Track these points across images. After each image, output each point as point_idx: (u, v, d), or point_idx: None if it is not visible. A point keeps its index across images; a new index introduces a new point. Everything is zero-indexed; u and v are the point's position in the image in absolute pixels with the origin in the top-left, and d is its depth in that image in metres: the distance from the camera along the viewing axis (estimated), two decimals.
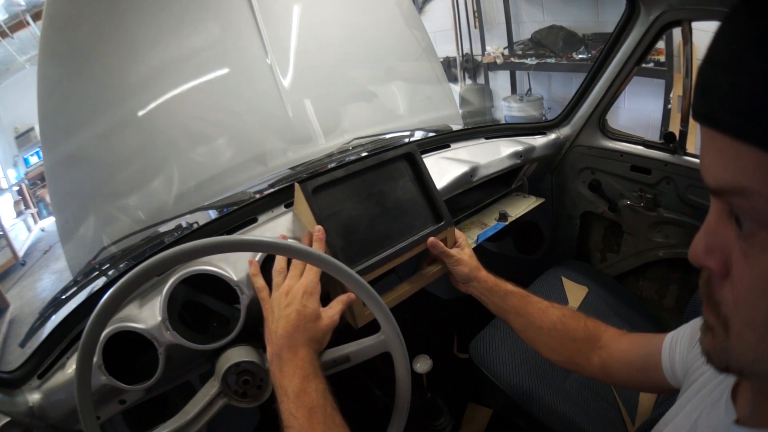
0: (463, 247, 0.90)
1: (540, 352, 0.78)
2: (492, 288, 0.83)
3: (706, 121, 0.29)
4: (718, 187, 0.29)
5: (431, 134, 1.35)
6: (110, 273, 0.99)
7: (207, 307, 0.84)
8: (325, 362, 0.70)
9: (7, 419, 0.68)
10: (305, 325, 0.64)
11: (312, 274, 0.70)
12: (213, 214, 1.07)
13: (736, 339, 0.31)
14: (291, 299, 0.66)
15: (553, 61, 3.32)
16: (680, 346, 0.60)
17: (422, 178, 0.93)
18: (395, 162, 0.93)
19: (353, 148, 1.19)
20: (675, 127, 1.28)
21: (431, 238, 0.87)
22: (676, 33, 1.18)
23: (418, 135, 1.33)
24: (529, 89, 3.70)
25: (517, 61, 3.55)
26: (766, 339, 0.29)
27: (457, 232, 0.92)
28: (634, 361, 0.68)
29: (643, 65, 1.76)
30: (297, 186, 0.81)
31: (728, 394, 0.42)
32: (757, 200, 0.27)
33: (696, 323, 0.59)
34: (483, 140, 1.36)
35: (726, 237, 0.31)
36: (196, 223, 1.08)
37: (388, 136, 1.28)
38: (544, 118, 3.48)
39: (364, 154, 1.08)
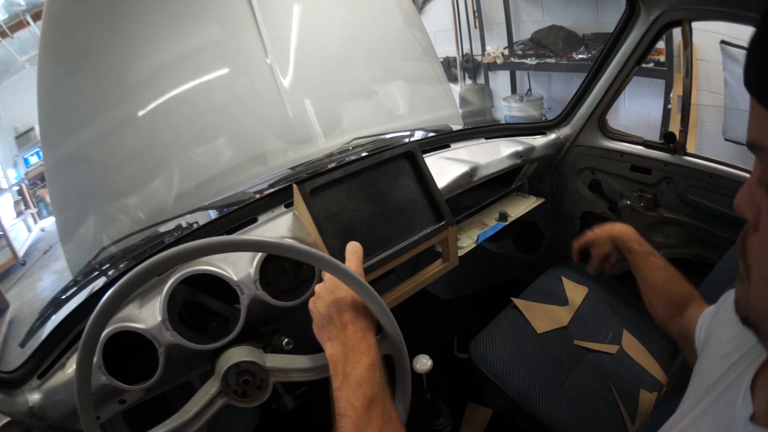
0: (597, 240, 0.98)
1: (646, 304, 0.88)
2: (626, 245, 0.93)
3: (745, 85, 0.32)
4: (748, 141, 0.33)
5: (431, 134, 1.35)
6: (110, 273, 0.99)
7: (207, 307, 0.84)
8: (324, 364, 0.69)
9: (7, 419, 0.68)
10: (334, 290, 0.62)
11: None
12: (213, 214, 1.07)
13: (754, 289, 0.34)
14: (319, 292, 0.65)
15: (553, 61, 3.31)
16: (705, 322, 0.64)
17: (423, 177, 0.93)
18: (395, 161, 0.93)
19: (353, 148, 1.19)
20: (675, 127, 1.28)
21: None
22: (676, 33, 1.18)
23: (418, 135, 1.34)
24: (529, 89, 3.69)
25: (517, 61, 3.55)
26: None
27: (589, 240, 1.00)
28: (691, 334, 0.70)
29: (643, 65, 1.76)
30: (295, 187, 0.81)
31: (747, 385, 0.42)
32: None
33: (729, 295, 0.61)
34: (483, 140, 1.36)
35: (760, 194, 0.34)
36: (196, 223, 1.08)
37: (388, 136, 1.29)
38: (544, 118, 3.48)
39: (364, 154, 1.08)
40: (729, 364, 0.48)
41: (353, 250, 0.69)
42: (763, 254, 0.33)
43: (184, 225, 1.10)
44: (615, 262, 1.50)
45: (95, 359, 0.69)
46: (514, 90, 3.79)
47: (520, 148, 1.31)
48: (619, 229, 0.95)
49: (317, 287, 0.65)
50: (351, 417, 0.51)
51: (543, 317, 1.17)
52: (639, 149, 1.32)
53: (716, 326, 0.60)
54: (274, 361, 0.75)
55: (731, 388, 0.45)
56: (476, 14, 3.75)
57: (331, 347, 0.59)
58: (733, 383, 0.45)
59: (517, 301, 1.22)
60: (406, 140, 1.27)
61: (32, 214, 3.09)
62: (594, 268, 1.03)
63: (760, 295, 0.34)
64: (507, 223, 1.26)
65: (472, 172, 1.16)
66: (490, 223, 1.26)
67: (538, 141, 1.41)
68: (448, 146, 1.27)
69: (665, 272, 0.86)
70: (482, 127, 1.40)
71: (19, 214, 3.08)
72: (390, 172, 0.91)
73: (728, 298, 0.61)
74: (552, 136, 1.46)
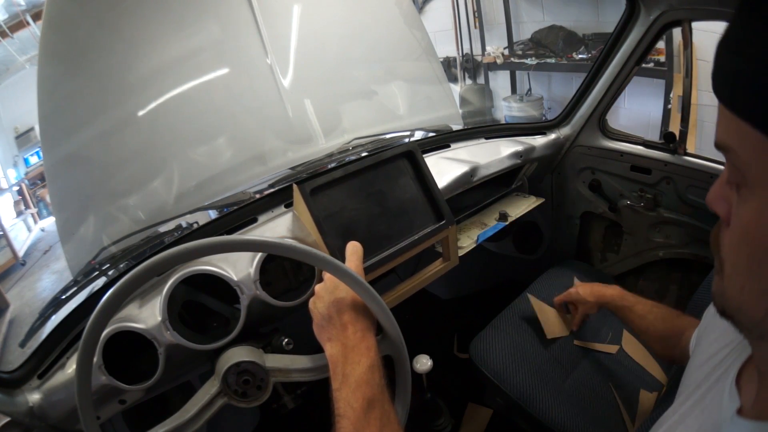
0: (580, 300, 1.07)
1: (645, 345, 0.99)
2: (615, 308, 0.99)
3: (714, 90, 0.34)
4: (716, 142, 0.35)
5: (431, 134, 1.35)
6: (110, 273, 0.99)
7: (207, 307, 0.84)
8: (324, 365, 0.69)
9: (7, 419, 0.68)
10: (334, 291, 0.62)
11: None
12: (213, 214, 1.07)
13: (727, 281, 0.36)
14: (319, 292, 0.65)
15: (553, 61, 3.31)
16: (701, 324, 0.65)
17: (423, 176, 0.93)
18: (395, 161, 0.93)
19: (353, 148, 1.19)
20: (675, 127, 1.28)
21: (574, 324, 1.12)
22: (676, 33, 1.18)
23: (418, 135, 1.33)
24: (529, 89, 3.69)
25: (517, 61, 3.55)
26: (746, 286, 0.34)
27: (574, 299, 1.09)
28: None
29: (643, 65, 1.76)
30: (295, 187, 0.81)
31: (733, 379, 0.42)
32: (734, 157, 0.33)
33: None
34: (483, 140, 1.36)
35: (731, 191, 0.35)
36: (196, 223, 1.08)
37: (388, 136, 1.29)
38: (544, 118, 3.48)
39: (364, 154, 1.08)
40: (717, 362, 0.49)
41: (353, 250, 0.68)
42: (734, 248, 0.35)
43: (184, 225, 1.10)
44: (617, 261, 1.51)
45: (95, 359, 0.69)
46: (514, 90, 3.79)
47: (520, 148, 1.31)
48: (605, 294, 1.02)
49: (317, 287, 0.65)
50: (350, 418, 0.51)
51: (554, 322, 1.17)
52: (639, 149, 1.32)
53: (705, 327, 0.61)
54: (274, 361, 0.75)
55: (718, 383, 0.46)
56: (476, 14, 3.75)
57: (330, 348, 0.59)
58: (720, 379, 0.46)
59: (532, 300, 1.22)
60: (406, 140, 1.27)
61: (32, 214, 3.09)
62: (577, 325, 1.13)
63: (734, 288, 0.35)
64: (507, 223, 1.26)
65: (472, 172, 1.16)
66: (490, 223, 1.26)
67: (538, 141, 1.41)
68: (448, 146, 1.27)
69: (652, 315, 0.92)
70: (482, 127, 1.40)
71: (19, 214, 3.08)
72: (390, 172, 0.91)
73: None
74: (552, 136, 1.46)
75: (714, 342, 0.52)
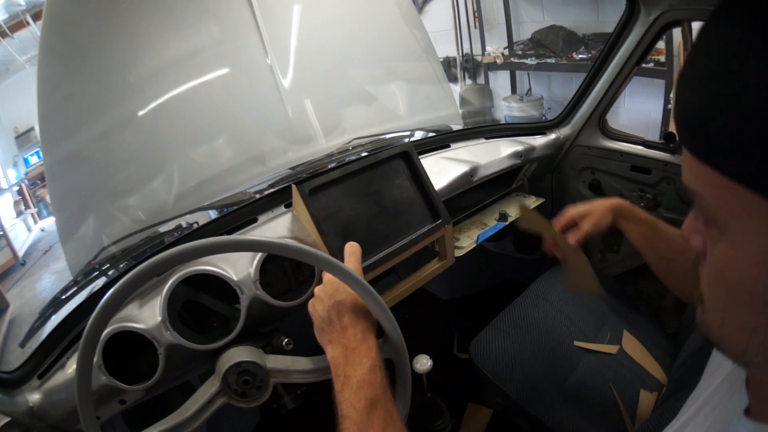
0: (581, 213, 0.89)
1: (664, 282, 0.83)
2: (627, 215, 0.85)
3: (677, 132, 0.34)
4: (684, 185, 0.34)
5: (431, 134, 1.35)
6: (110, 273, 0.99)
7: (207, 307, 0.84)
8: (325, 367, 0.69)
9: (7, 419, 0.68)
10: (334, 293, 0.62)
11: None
12: (213, 214, 1.07)
13: (707, 315, 0.35)
14: (318, 294, 0.65)
15: (553, 61, 3.31)
16: None
17: (419, 176, 0.93)
18: (392, 161, 0.93)
19: (353, 148, 1.19)
20: (675, 127, 1.27)
21: (571, 239, 0.87)
22: (676, 33, 1.18)
23: (418, 135, 1.34)
24: (529, 89, 3.70)
25: (517, 61, 3.55)
26: (725, 322, 0.33)
27: (569, 214, 0.90)
28: None
29: (643, 65, 1.76)
30: (294, 187, 0.82)
31: (743, 379, 0.42)
32: (701, 200, 0.32)
33: None
34: (483, 140, 1.36)
35: (703, 226, 0.35)
36: (196, 223, 1.08)
37: (388, 136, 1.29)
38: (544, 118, 3.48)
39: (363, 154, 1.09)
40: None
41: (351, 251, 0.68)
42: (712, 285, 0.34)
43: (184, 225, 1.10)
44: (617, 261, 1.50)
45: (95, 359, 0.69)
46: (514, 90, 3.80)
47: (520, 148, 1.31)
48: (619, 200, 0.87)
49: (316, 290, 0.65)
50: (353, 419, 0.51)
51: (582, 271, 0.93)
52: (639, 149, 1.32)
53: None
54: (275, 362, 0.76)
55: (729, 381, 0.45)
56: (476, 14, 3.75)
57: (332, 350, 0.59)
58: (730, 377, 0.45)
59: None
60: (406, 140, 1.27)
61: (32, 214, 3.09)
62: (580, 239, 0.88)
63: (714, 323, 0.35)
64: (507, 223, 1.26)
65: (472, 172, 1.16)
66: (490, 223, 1.26)
67: (538, 141, 1.41)
68: (448, 146, 1.27)
69: (680, 241, 0.75)
70: (482, 127, 1.40)
71: (19, 214, 3.08)
72: (387, 172, 0.92)
73: None
74: (552, 136, 1.46)
75: None
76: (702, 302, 0.36)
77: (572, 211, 0.90)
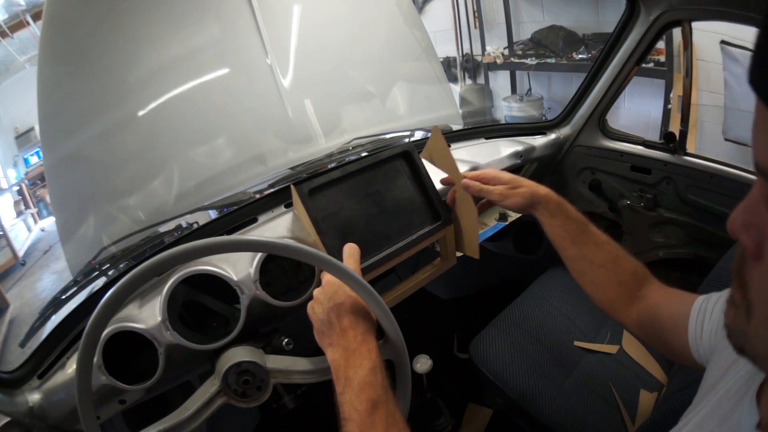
0: (500, 178, 0.79)
1: (584, 287, 0.75)
2: (554, 210, 0.75)
3: (762, 95, 0.26)
4: (763, 164, 0.27)
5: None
6: (110, 273, 0.99)
7: (207, 307, 0.84)
8: (325, 367, 0.69)
9: (7, 419, 0.68)
10: (333, 296, 0.61)
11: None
12: (213, 214, 1.07)
13: (754, 328, 0.30)
14: (318, 296, 0.64)
15: (553, 61, 3.31)
16: (710, 320, 0.56)
17: (420, 176, 0.93)
18: (392, 161, 0.93)
19: (353, 148, 1.19)
20: (675, 127, 1.28)
21: (464, 180, 0.80)
22: (676, 33, 1.18)
23: (418, 135, 1.33)
24: (529, 89, 3.69)
25: (517, 61, 3.55)
26: None
27: (487, 171, 0.82)
28: (663, 321, 0.63)
29: (643, 65, 1.76)
30: (293, 188, 0.81)
31: (753, 393, 0.40)
32: None
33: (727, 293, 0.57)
34: (483, 140, 1.36)
35: (764, 218, 0.28)
36: (196, 223, 1.08)
37: (388, 136, 1.29)
38: (544, 118, 3.48)
39: (363, 154, 1.08)
40: (738, 370, 0.46)
41: (350, 252, 0.68)
42: (767, 291, 0.28)
43: (184, 225, 1.10)
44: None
45: (95, 359, 0.69)
46: (514, 90, 3.79)
47: (520, 148, 1.31)
48: (548, 191, 0.76)
49: (315, 292, 0.64)
50: (355, 421, 0.51)
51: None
52: (639, 149, 1.32)
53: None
54: (275, 362, 0.76)
55: (737, 394, 0.43)
56: (476, 14, 3.75)
57: (332, 352, 0.59)
58: (739, 390, 0.44)
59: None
60: (406, 140, 1.27)
61: (32, 214, 3.09)
62: (477, 196, 0.82)
63: (760, 337, 0.29)
64: (507, 223, 1.26)
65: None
66: (490, 223, 1.26)
67: (538, 141, 1.41)
68: (448, 146, 1.27)
69: (611, 247, 0.72)
70: (482, 127, 1.40)
71: (19, 214, 3.07)
72: (387, 172, 0.91)
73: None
74: (552, 136, 1.46)
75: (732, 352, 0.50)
76: (749, 312, 0.30)
77: (494, 172, 0.82)
